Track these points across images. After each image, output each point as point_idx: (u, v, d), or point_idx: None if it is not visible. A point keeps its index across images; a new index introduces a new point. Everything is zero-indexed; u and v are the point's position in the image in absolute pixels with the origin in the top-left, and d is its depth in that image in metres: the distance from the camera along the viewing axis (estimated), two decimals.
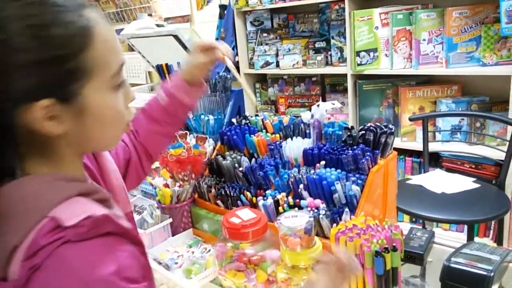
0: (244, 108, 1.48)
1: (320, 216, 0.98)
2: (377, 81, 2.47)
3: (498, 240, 2.03)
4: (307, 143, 1.17)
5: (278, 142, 1.21)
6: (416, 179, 1.97)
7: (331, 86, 2.78)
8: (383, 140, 1.08)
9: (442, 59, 2.24)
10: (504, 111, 2.12)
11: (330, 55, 2.66)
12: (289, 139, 1.19)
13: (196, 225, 1.28)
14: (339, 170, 1.06)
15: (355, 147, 1.07)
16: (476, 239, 2.17)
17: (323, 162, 1.09)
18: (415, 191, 1.86)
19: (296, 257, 0.92)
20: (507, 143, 2.11)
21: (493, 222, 2.23)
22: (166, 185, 1.25)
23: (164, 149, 1.11)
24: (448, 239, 2.27)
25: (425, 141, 2.10)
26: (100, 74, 0.55)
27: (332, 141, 1.15)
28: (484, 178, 2.14)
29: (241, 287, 0.99)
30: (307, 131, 1.21)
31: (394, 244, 0.82)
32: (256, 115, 1.34)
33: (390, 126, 1.09)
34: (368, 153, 1.04)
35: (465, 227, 2.23)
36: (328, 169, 1.07)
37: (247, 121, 1.33)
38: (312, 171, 1.09)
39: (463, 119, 2.30)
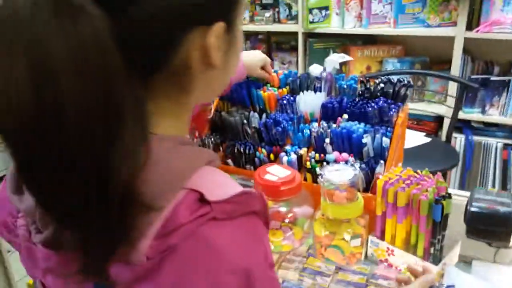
0: None
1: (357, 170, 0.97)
2: (327, 39, 2.50)
3: None
4: (321, 97, 1.14)
5: (289, 97, 1.15)
6: None
7: (277, 44, 2.75)
8: (402, 92, 1.09)
9: (391, 19, 2.32)
10: (442, 71, 2.29)
11: (278, 11, 2.61)
12: (301, 93, 1.15)
13: None
14: (363, 124, 1.05)
15: (376, 100, 1.07)
16: None
17: (345, 116, 1.07)
18: None
19: (342, 211, 0.90)
20: (447, 99, 2.29)
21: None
22: None
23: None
24: None
25: None
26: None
27: (347, 95, 1.13)
28: (425, 132, 2.32)
29: (278, 245, 0.95)
30: (317, 85, 1.17)
31: (449, 192, 0.84)
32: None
33: (407, 78, 1.10)
34: (393, 106, 1.05)
35: None
36: (351, 123, 1.06)
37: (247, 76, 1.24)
38: (334, 125, 1.06)
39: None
